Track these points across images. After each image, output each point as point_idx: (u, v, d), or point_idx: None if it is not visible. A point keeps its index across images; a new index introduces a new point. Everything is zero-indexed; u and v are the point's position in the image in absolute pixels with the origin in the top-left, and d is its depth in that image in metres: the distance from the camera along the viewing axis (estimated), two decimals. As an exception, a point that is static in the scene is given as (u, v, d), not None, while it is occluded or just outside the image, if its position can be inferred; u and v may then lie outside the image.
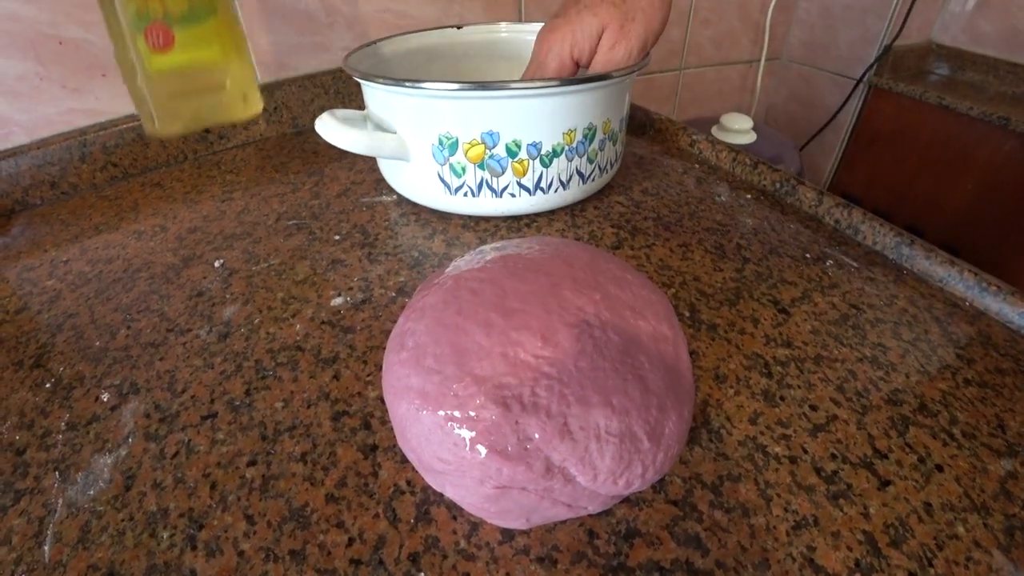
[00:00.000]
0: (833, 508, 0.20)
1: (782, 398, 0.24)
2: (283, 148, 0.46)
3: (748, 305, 0.28)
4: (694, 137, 0.42)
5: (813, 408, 0.23)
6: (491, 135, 0.30)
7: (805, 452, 0.22)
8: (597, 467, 0.16)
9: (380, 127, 0.33)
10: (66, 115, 0.42)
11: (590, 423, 0.15)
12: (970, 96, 0.71)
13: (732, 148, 0.40)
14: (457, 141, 0.30)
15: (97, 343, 0.29)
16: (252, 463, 0.21)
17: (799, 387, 0.24)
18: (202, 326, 0.28)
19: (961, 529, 0.19)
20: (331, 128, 0.30)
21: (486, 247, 0.21)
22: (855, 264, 0.32)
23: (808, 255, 0.32)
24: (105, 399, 0.26)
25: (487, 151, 0.30)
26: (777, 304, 0.28)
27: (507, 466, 0.15)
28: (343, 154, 0.44)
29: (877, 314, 0.28)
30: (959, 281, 0.30)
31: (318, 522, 0.19)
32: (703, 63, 0.76)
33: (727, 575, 0.18)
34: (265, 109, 0.47)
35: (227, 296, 0.30)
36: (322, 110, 0.50)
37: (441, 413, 0.16)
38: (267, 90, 0.47)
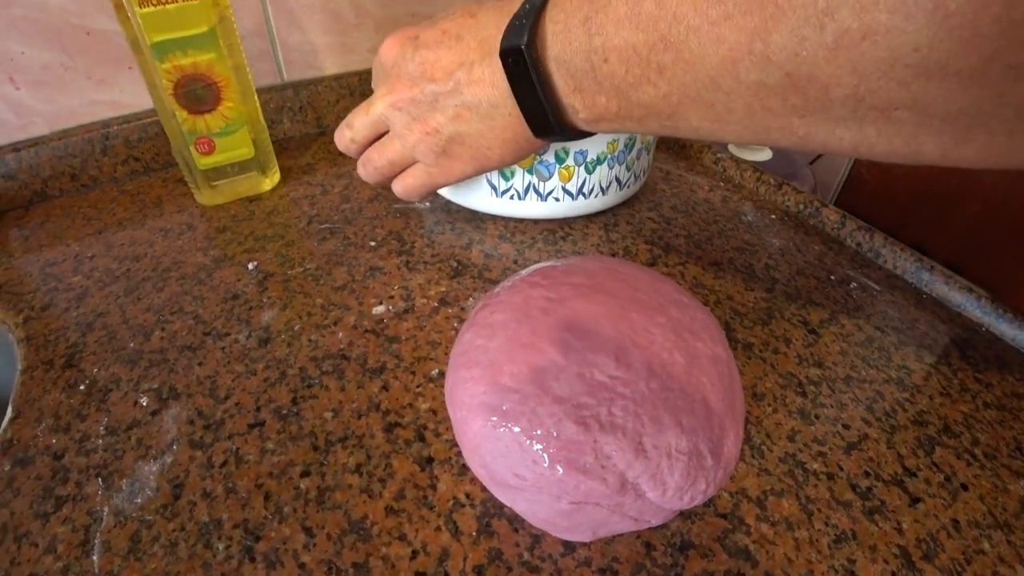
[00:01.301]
0: (869, 523, 0.21)
1: (817, 417, 0.25)
2: (308, 148, 0.47)
3: (780, 325, 0.30)
4: (718, 155, 0.44)
5: (846, 427, 0.25)
6: (542, 142, 0.31)
7: (841, 469, 0.23)
8: (667, 483, 0.17)
9: None
10: (89, 107, 0.42)
11: (662, 442, 0.17)
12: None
13: (756, 168, 0.42)
14: (507, 147, 0.31)
15: (131, 344, 0.29)
16: (306, 474, 0.22)
17: (832, 406, 0.26)
18: (240, 331, 0.29)
19: (987, 545, 0.21)
20: None
21: (540, 265, 0.22)
22: (877, 287, 0.33)
23: (833, 277, 0.34)
24: (144, 403, 0.26)
25: (537, 156, 0.31)
26: (807, 325, 0.30)
27: (585, 483, 0.16)
28: (368, 158, 0.45)
29: (901, 337, 0.30)
30: (976, 307, 0.32)
31: (379, 535, 0.20)
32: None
33: (778, 587, 0.19)
34: (289, 108, 0.48)
35: (264, 300, 0.31)
36: (347, 111, 0.50)
37: (517, 430, 0.17)
38: (293, 88, 0.47)
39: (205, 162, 0.38)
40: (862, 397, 0.26)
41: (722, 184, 0.42)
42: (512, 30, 0.21)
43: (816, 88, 0.15)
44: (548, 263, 0.22)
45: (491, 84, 0.23)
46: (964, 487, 0.23)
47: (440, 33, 0.25)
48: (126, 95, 0.44)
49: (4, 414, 0.44)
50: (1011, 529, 0.22)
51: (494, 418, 0.17)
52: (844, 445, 0.24)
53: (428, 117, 0.26)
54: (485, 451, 0.17)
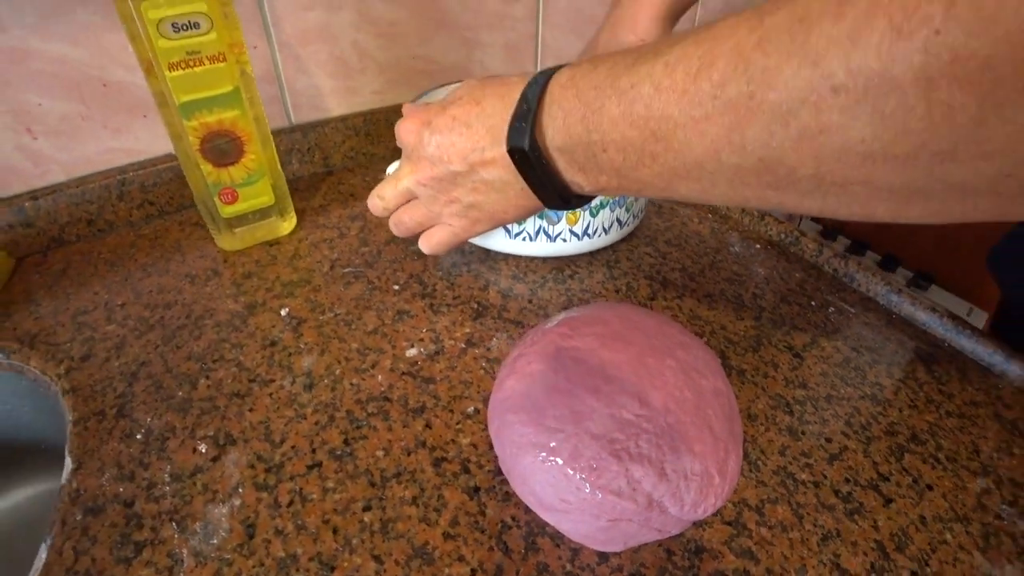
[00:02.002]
0: (850, 522, 0.26)
1: (803, 433, 0.30)
2: (318, 189, 0.51)
3: (768, 351, 0.35)
4: (705, 187, 0.49)
5: (828, 440, 0.30)
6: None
7: (825, 478, 0.28)
8: (684, 500, 0.21)
9: None
10: (105, 154, 0.45)
11: (680, 467, 0.21)
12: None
13: (740, 198, 0.47)
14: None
15: (179, 393, 0.32)
16: (367, 508, 0.26)
17: (816, 423, 0.31)
18: (284, 377, 0.33)
19: (949, 536, 0.26)
20: None
21: (562, 316, 0.27)
22: (852, 310, 0.39)
23: (813, 302, 0.39)
24: (203, 450, 0.29)
25: None
26: (792, 349, 0.35)
27: (620, 504, 0.21)
28: (379, 200, 0.49)
29: (874, 356, 0.35)
30: (939, 325, 0.37)
31: (441, 557, 0.24)
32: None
33: (777, 581, 0.24)
34: (298, 150, 0.52)
35: (301, 346, 0.34)
36: (352, 151, 0.54)
37: (562, 463, 0.21)
38: (301, 131, 0.51)
39: (228, 211, 0.41)
40: (841, 413, 0.32)
41: (710, 215, 0.47)
42: (514, 132, 0.26)
43: (785, 170, 0.20)
44: (569, 313, 0.27)
45: (502, 166, 0.28)
46: (929, 487, 0.28)
47: (451, 119, 0.29)
48: (141, 142, 0.47)
49: (43, 461, 0.46)
50: (969, 521, 0.27)
51: (543, 454, 0.21)
52: (827, 456, 0.29)
53: (449, 190, 0.30)
54: (535, 481, 0.22)
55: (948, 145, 0.15)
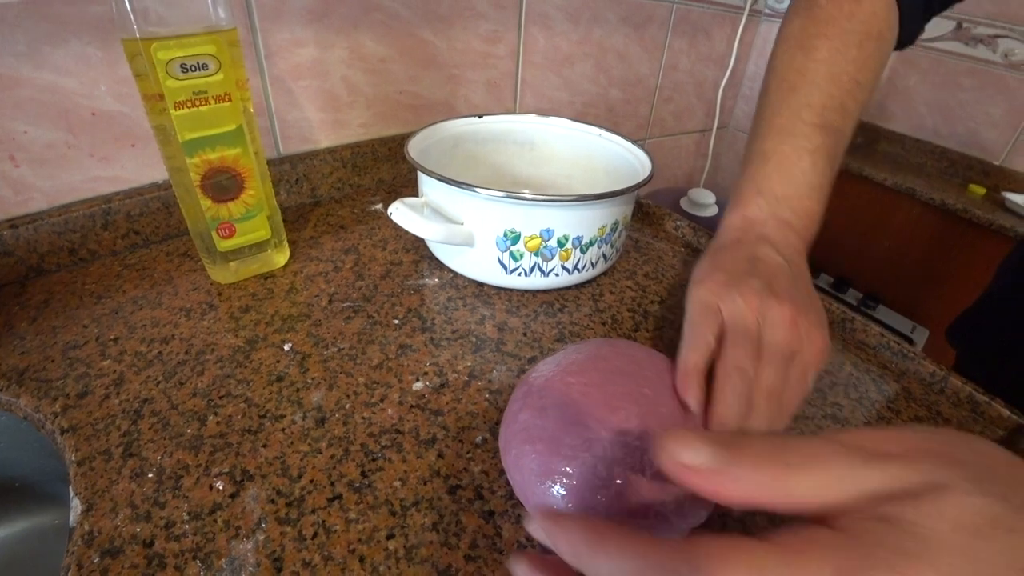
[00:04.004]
0: (819, 530, 0.31)
1: (776, 450, 0.35)
2: (307, 221, 0.53)
3: (743, 376, 0.40)
4: (677, 222, 0.55)
5: (797, 457, 0.35)
6: (548, 231, 0.40)
7: (796, 491, 0.33)
8: (686, 512, 0.26)
9: (440, 213, 0.42)
10: (91, 183, 0.46)
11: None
12: (884, 167, 0.93)
13: (709, 233, 0.53)
14: (520, 234, 0.40)
15: (188, 430, 0.34)
16: (390, 536, 0.29)
17: (786, 441, 0.36)
18: (295, 412, 0.35)
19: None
20: (409, 218, 0.39)
21: (564, 354, 0.31)
22: (813, 337, 0.45)
23: (779, 330, 0.45)
24: (220, 487, 0.31)
25: (543, 243, 0.40)
26: (763, 374, 0.40)
27: (630, 519, 0.25)
28: (372, 231, 0.52)
29: (832, 378, 0.41)
30: (887, 349, 0.44)
31: (465, 578, 0.27)
32: (665, 133, 0.93)
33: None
34: (286, 180, 0.54)
35: (309, 381, 0.37)
36: (339, 182, 0.57)
37: (576, 485, 0.25)
38: (290, 162, 0.54)
39: (225, 245, 0.43)
40: (807, 431, 0.37)
41: (683, 249, 0.53)
42: None
43: None
44: (569, 351, 0.31)
45: None
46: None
47: None
48: (127, 171, 0.48)
49: (16, 500, 0.46)
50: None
51: (561, 479, 0.25)
52: (797, 471, 0.34)
53: None
54: (553, 503, 0.25)
55: None
